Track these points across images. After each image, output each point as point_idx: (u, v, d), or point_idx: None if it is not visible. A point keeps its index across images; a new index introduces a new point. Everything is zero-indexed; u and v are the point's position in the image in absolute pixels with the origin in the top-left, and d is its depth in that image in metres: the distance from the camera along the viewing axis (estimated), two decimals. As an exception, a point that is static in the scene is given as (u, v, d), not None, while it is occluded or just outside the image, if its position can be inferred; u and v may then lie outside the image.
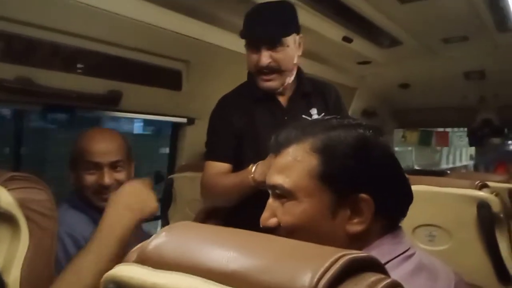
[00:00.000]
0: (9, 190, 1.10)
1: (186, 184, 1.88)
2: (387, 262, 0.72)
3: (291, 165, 0.78)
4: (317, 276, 0.42)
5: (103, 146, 1.37)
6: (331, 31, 2.05)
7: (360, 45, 2.43)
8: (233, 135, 1.48)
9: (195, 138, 2.12)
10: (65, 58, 1.49)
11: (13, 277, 1.06)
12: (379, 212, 0.74)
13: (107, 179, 1.35)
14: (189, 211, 1.85)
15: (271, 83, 1.45)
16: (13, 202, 1.09)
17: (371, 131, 0.80)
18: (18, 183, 1.13)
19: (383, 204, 0.75)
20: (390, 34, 2.37)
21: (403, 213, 0.81)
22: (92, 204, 1.38)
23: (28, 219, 1.11)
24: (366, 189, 0.74)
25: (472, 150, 7.14)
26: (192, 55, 1.87)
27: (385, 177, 0.77)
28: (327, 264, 0.43)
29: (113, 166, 1.38)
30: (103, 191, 1.35)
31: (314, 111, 1.49)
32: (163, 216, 1.91)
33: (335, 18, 1.99)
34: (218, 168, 1.46)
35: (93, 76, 1.60)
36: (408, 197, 0.80)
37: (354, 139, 0.77)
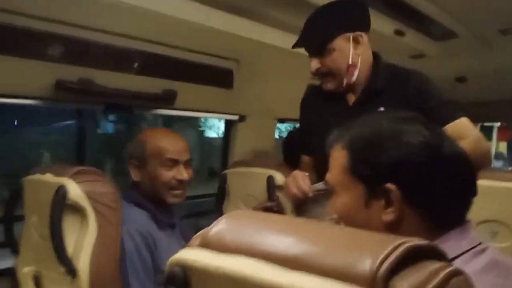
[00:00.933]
0: (77, 183, 1.18)
1: (239, 180, 1.92)
2: (455, 258, 0.71)
3: (333, 163, 0.86)
4: (378, 261, 0.42)
5: (182, 145, 1.51)
6: (382, 24, 2.01)
7: (413, 38, 2.37)
8: (309, 133, 1.59)
9: (246, 135, 2.16)
10: (122, 59, 1.57)
11: (82, 263, 1.14)
12: (412, 202, 0.75)
13: (185, 174, 1.48)
14: (243, 206, 1.89)
15: (328, 85, 1.48)
16: (81, 194, 1.17)
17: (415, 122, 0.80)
18: (85, 177, 1.21)
19: (415, 194, 0.76)
20: (444, 26, 2.29)
21: (453, 205, 0.79)
22: (153, 201, 1.47)
23: (95, 210, 1.18)
24: (393, 179, 0.76)
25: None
26: (242, 54, 1.90)
27: (415, 168, 0.77)
28: (388, 250, 0.43)
29: (187, 163, 1.51)
30: (179, 186, 1.48)
31: (381, 110, 1.45)
32: (217, 211, 1.96)
33: (386, 11, 1.95)
34: (303, 160, 1.66)
35: (149, 76, 1.67)
36: (456, 189, 0.78)
37: (378, 131, 0.80)
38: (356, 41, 1.43)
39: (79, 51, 1.46)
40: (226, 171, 1.98)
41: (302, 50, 1.50)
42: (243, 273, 0.49)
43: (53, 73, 1.40)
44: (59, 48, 1.40)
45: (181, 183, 1.48)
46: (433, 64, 3.01)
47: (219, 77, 1.90)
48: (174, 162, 1.47)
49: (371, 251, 0.44)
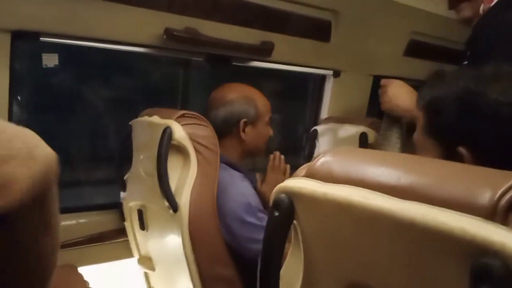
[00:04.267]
0: (181, 125, 1.26)
1: (330, 136, 1.90)
2: None
3: (417, 123, 0.86)
4: (499, 193, 0.41)
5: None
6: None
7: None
8: None
9: (339, 91, 2.12)
10: (222, 8, 1.59)
11: (184, 199, 1.23)
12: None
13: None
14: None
15: (463, 13, 1.34)
16: (185, 135, 1.25)
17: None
18: (188, 120, 1.28)
19: (489, 159, 0.70)
20: None
21: None
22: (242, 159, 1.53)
23: (196, 151, 1.26)
24: (465, 143, 0.74)
25: None
26: (342, 4, 1.84)
27: (489, 132, 0.74)
28: (510, 183, 0.41)
29: None
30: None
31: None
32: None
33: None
34: None
35: (247, 26, 1.68)
36: None
37: (454, 93, 0.77)
38: None
39: (185, 1, 1.50)
40: (317, 127, 1.97)
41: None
42: (351, 199, 0.50)
43: (161, 22, 1.46)
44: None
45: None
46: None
47: (316, 30, 1.86)
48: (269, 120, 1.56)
49: (491, 183, 0.42)
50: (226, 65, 1.78)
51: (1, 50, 1.30)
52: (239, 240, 1.31)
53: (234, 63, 1.78)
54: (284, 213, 0.57)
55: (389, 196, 0.47)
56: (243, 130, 1.47)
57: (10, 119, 1.41)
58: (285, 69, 1.96)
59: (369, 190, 0.50)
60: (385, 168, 0.52)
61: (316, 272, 0.58)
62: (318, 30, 1.87)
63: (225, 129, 1.45)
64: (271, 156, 1.62)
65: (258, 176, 1.57)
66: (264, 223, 1.23)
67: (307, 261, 0.59)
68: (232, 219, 1.32)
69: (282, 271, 0.61)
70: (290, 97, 2.38)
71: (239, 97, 1.49)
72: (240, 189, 1.37)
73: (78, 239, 1.56)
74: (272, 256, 0.60)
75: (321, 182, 0.56)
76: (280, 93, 2.27)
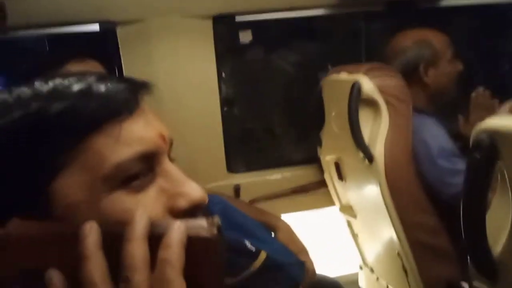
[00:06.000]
0: (370, 78, 1.29)
1: None
2: None
3: None
4: None
5: None
6: None
7: None
8: None
9: None
10: None
11: (378, 151, 1.27)
12: None
13: None
14: None
15: None
16: (374, 88, 1.28)
17: None
18: (376, 72, 1.30)
19: None
20: None
21: None
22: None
23: (386, 102, 1.28)
24: None
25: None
26: None
27: None
28: None
29: None
30: None
31: None
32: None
33: None
34: None
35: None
36: None
37: None
38: None
39: None
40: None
41: None
42: None
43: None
44: None
45: None
46: None
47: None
48: None
49: None
50: (408, 11, 1.69)
51: (206, 35, 1.53)
52: (431, 184, 1.30)
53: (417, 8, 1.68)
54: (485, 155, 0.57)
55: None
56: (426, 74, 1.42)
57: (220, 94, 1.66)
58: (481, 3, 1.75)
59: None
60: None
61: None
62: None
63: (407, 78, 1.40)
64: (473, 93, 1.47)
65: (460, 118, 1.49)
66: (458, 167, 1.20)
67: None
68: (423, 163, 1.31)
69: (488, 216, 0.61)
70: (492, 33, 2.13)
71: (410, 43, 1.44)
72: (432, 133, 1.34)
73: (283, 191, 1.76)
74: (475, 201, 0.61)
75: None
76: (479, 30, 2.05)
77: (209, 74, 1.60)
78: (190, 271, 0.38)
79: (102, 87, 0.43)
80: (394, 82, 1.29)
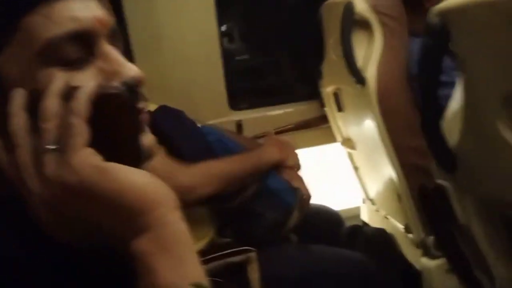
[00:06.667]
0: (361, -3, 1.23)
1: None
2: None
3: None
4: None
5: None
6: None
7: None
8: None
9: None
10: None
11: (370, 73, 1.24)
12: None
13: None
14: None
15: None
16: (367, 7, 1.23)
17: None
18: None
19: None
20: None
21: None
22: None
23: (380, 22, 1.23)
24: None
25: None
26: None
27: None
28: None
29: None
30: None
31: None
32: None
33: None
34: None
35: None
36: None
37: None
38: None
39: None
40: None
41: None
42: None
43: None
44: None
45: None
46: None
47: None
48: None
49: None
50: None
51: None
52: None
53: None
54: (437, 38, 0.55)
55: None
56: None
57: (219, 29, 1.64)
58: None
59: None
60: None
61: (476, 91, 0.55)
62: None
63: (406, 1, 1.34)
64: None
65: None
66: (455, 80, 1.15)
67: (467, 84, 0.56)
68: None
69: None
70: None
71: None
72: None
73: (286, 126, 1.76)
74: (428, 86, 0.59)
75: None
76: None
77: (207, 8, 1.57)
78: (106, 126, 0.45)
79: None
80: (389, 1, 1.24)
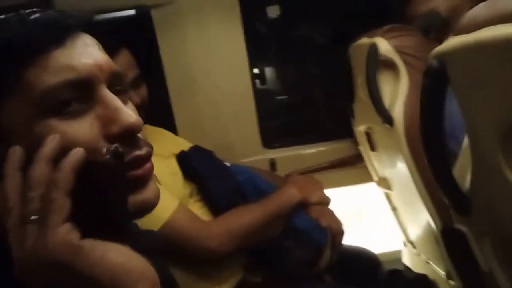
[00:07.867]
0: (387, 39, 1.25)
1: None
2: None
3: None
4: None
5: None
6: None
7: None
8: None
9: None
10: None
11: (397, 113, 1.23)
12: None
13: None
14: None
15: None
16: (390, 49, 1.24)
17: None
18: (393, 33, 1.26)
19: None
20: None
21: None
22: None
23: (404, 62, 1.23)
24: None
25: None
26: None
27: None
28: None
29: None
30: None
31: None
32: None
33: None
34: None
35: None
36: None
37: None
38: None
39: None
40: None
41: None
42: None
43: None
44: None
45: None
46: None
47: None
48: None
49: None
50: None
51: (232, 10, 1.58)
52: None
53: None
54: (435, 80, 0.56)
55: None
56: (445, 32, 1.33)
57: (251, 70, 1.69)
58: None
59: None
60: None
61: (478, 130, 0.54)
62: None
63: (426, 36, 1.33)
64: None
65: None
66: None
67: (468, 123, 0.56)
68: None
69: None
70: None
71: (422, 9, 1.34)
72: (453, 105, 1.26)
73: (320, 165, 1.75)
74: (432, 131, 0.60)
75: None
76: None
77: (239, 50, 1.64)
78: (91, 194, 0.44)
79: (28, 22, 0.47)
80: (411, 41, 1.24)
